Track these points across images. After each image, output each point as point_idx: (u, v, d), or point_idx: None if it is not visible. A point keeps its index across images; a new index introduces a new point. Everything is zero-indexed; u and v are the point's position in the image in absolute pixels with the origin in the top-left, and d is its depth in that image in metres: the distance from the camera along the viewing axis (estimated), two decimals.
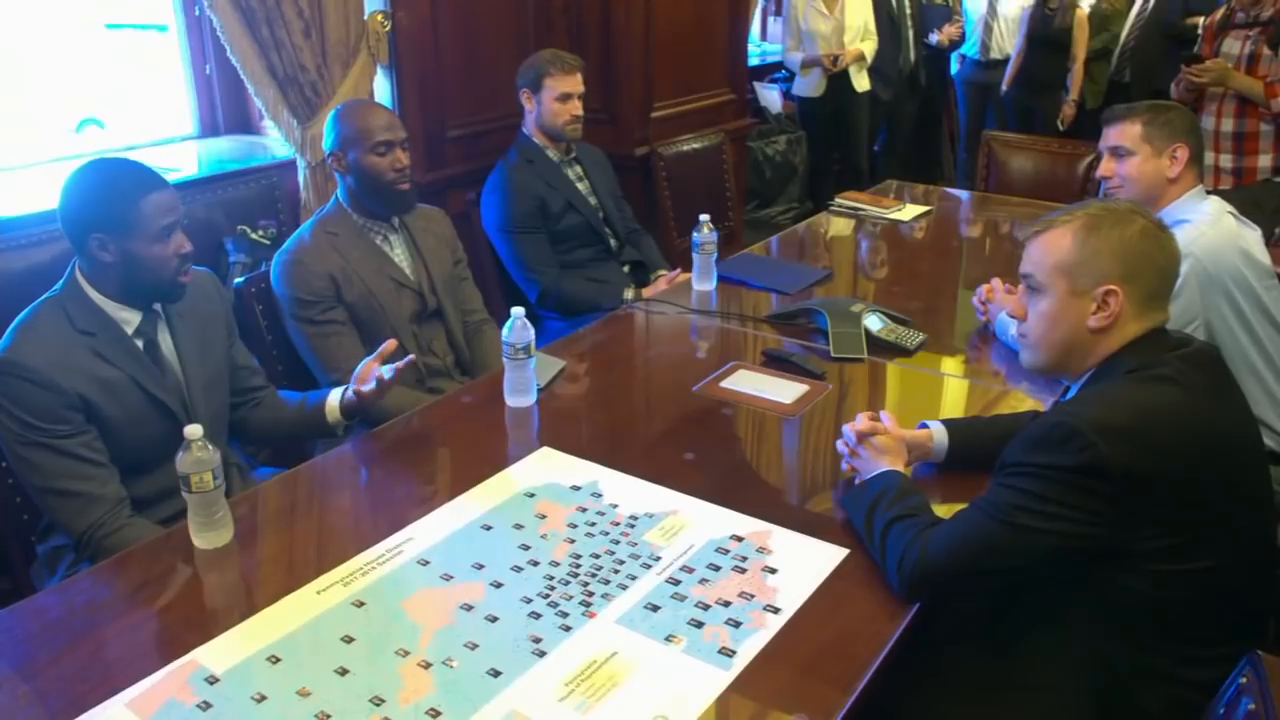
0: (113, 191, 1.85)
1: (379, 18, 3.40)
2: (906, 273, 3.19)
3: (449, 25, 3.67)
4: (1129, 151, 2.37)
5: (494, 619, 1.50)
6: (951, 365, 2.45)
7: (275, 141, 3.63)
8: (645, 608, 1.53)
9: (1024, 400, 2.21)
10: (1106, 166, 2.42)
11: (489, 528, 1.74)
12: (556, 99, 3.14)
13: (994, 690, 1.55)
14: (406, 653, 1.43)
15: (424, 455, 2.09)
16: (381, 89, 3.54)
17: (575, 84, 3.16)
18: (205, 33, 3.58)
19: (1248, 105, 3.65)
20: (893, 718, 1.54)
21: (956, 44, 6.17)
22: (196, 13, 3.53)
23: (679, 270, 3.16)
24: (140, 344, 1.95)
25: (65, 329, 1.87)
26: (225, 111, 3.79)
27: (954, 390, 2.34)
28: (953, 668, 1.62)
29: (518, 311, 2.10)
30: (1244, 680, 1.20)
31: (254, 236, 3.20)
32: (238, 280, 2.53)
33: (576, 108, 3.17)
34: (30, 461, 1.84)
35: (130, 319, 1.93)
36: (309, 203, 3.35)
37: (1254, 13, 3.62)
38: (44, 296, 1.92)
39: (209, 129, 3.80)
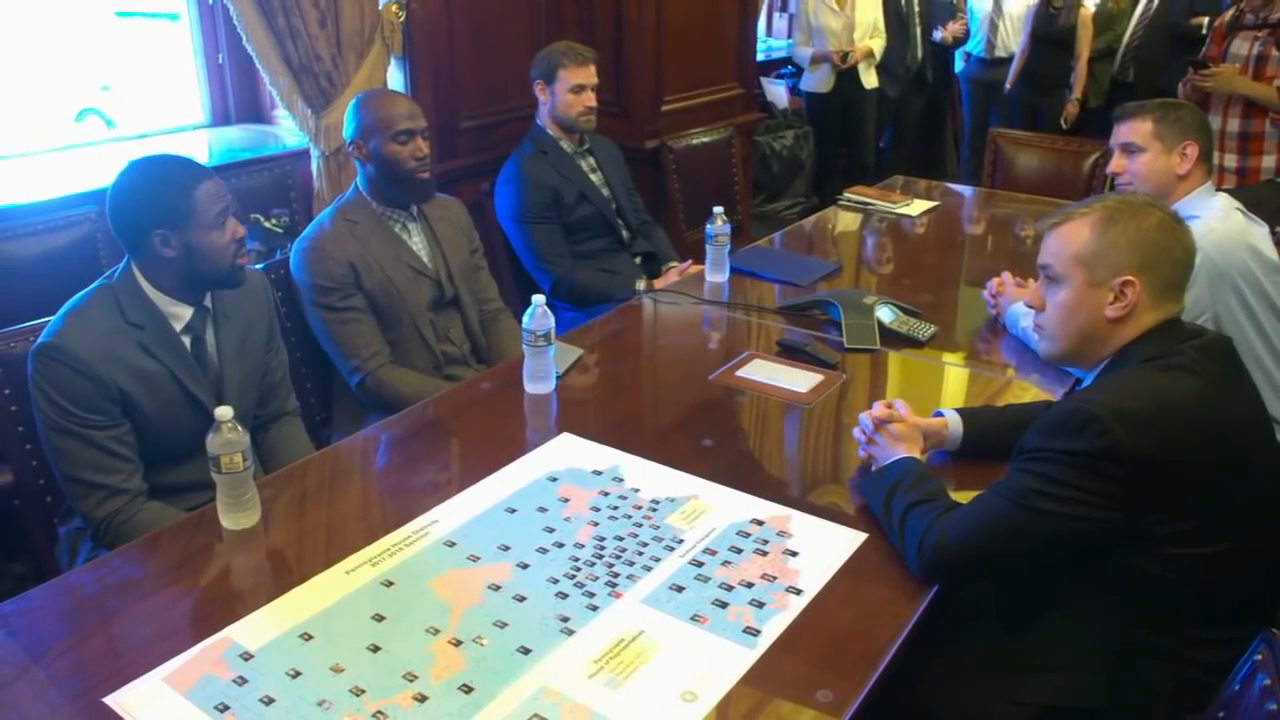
0: (167, 187, 1.87)
1: (393, 8, 3.42)
2: (915, 267, 3.21)
3: (462, 16, 3.70)
4: (1140, 148, 2.40)
5: (522, 599, 1.53)
6: (963, 357, 2.47)
7: (287, 130, 3.66)
8: (670, 588, 1.56)
9: (1029, 389, 2.24)
10: (1117, 163, 2.45)
11: (513, 511, 1.76)
12: (570, 90, 3.16)
13: (1008, 671, 1.58)
14: (437, 631, 1.46)
15: (445, 441, 2.12)
16: (395, 79, 3.57)
17: (589, 75, 3.19)
18: (218, 22, 3.61)
19: (1254, 106, 3.66)
20: (909, 697, 1.57)
21: (960, 41, 6.20)
22: (209, 1, 3.55)
23: (690, 262, 3.19)
24: (187, 340, 1.97)
25: (115, 319, 1.89)
26: (237, 101, 3.81)
27: (965, 381, 2.37)
28: (968, 649, 1.65)
29: (538, 299, 2.13)
30: (1259, 657, 1.23)
31: (267, 225, 3.22)
32: (255, 267, 2.55)
33: (590, 99, 3.19)
34: (60, 448, 1.86)
35: (181, 314, 1.96)
36: (322, 192, 3.38)
37: (1264, 14, 3.64)
38: (99, 281, 1.94)
39: (220, 118, 3.82)
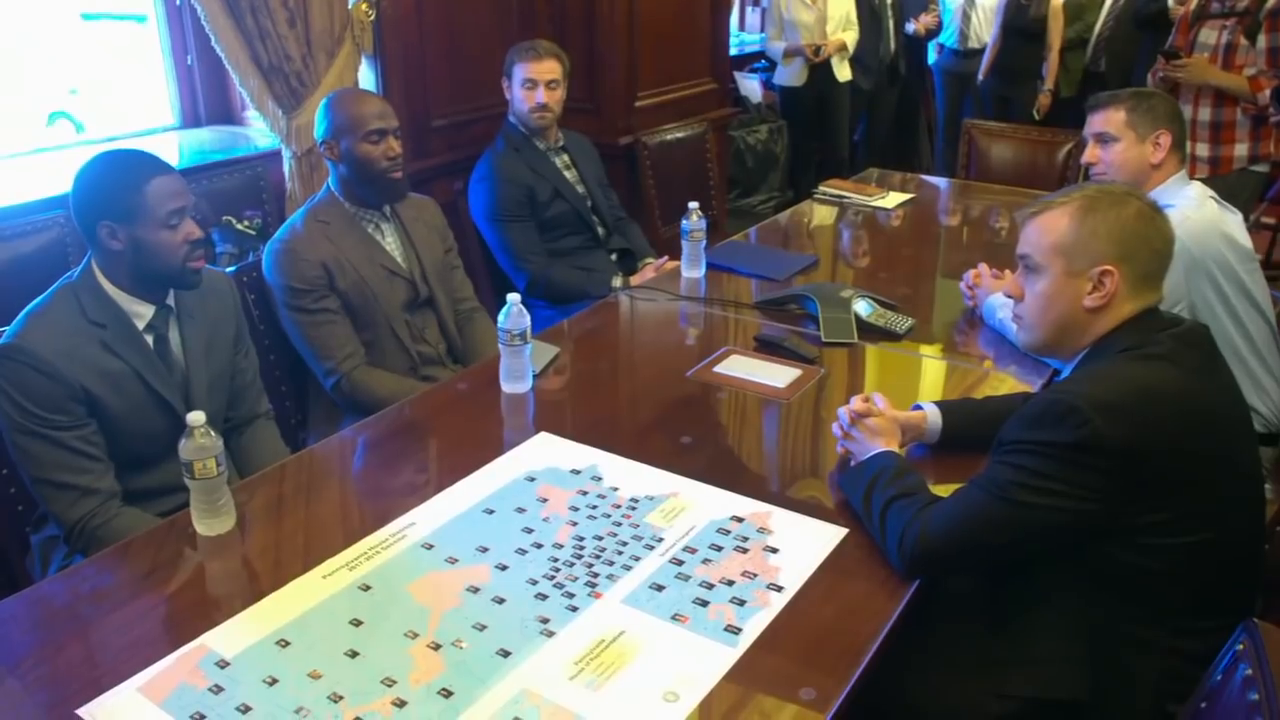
0: (118, 178, 1.85)
1: (363, 7, 3.39)
2: (891, 259, 3.21)
3: (433, 14, 3.67)
4: (1113, 138, 2.40)
5: (501, 600, 1.52)
6: (940, 349, 2.48)
7: (257, 132, 3.63)
8: (650, 588, 1.54)
9: (1006, 381, 2.25)
10: (1091, 153, 2.46)
11: (491, 512, 1.75)
12: (521, 85, 3.13)
13: (991, 664, 1.58)
14: (415, 634, 1.45)
15: (422, 442, 2.10)
16: (366, 78, 3.54)
17: (541, 70, 3.11)
18: (186, 23, 3.56)
19: (1225, 95, 3.68)
20: (892, 691, 1.57)
21: (933, 33, 6.21)
22: (177, 2, 3.51)
23: (666, 258, 3.18)
24: (150, 339, 1.94)
25: (77, 318, 1.86)
26: (206, 102, 3.77)
27: (943, 373, 2.37)
28: (951, 643, 1.65)
29: (514, 298, 2.11)
30: (1240, 647, 1.23)
31: (240, 227, 3.19)
32: (227, 270, 2.52)
33: (541, 95, 3.12)
34: (26, 451, 1.84)
35: (143, 312, 1.93)
36: (294, 193, 3.35)
37: (1230, 2, 3.66)
38: (59, 282, 1.92)
39: (190, 120, 3.78)
